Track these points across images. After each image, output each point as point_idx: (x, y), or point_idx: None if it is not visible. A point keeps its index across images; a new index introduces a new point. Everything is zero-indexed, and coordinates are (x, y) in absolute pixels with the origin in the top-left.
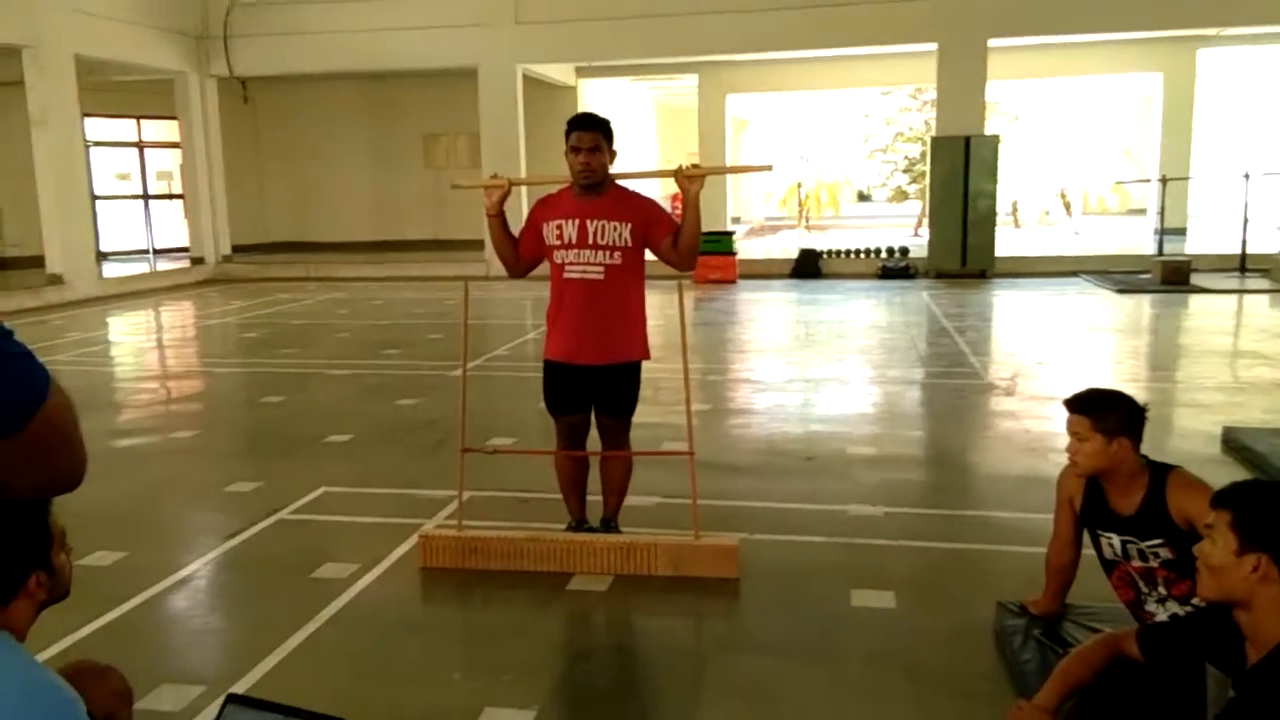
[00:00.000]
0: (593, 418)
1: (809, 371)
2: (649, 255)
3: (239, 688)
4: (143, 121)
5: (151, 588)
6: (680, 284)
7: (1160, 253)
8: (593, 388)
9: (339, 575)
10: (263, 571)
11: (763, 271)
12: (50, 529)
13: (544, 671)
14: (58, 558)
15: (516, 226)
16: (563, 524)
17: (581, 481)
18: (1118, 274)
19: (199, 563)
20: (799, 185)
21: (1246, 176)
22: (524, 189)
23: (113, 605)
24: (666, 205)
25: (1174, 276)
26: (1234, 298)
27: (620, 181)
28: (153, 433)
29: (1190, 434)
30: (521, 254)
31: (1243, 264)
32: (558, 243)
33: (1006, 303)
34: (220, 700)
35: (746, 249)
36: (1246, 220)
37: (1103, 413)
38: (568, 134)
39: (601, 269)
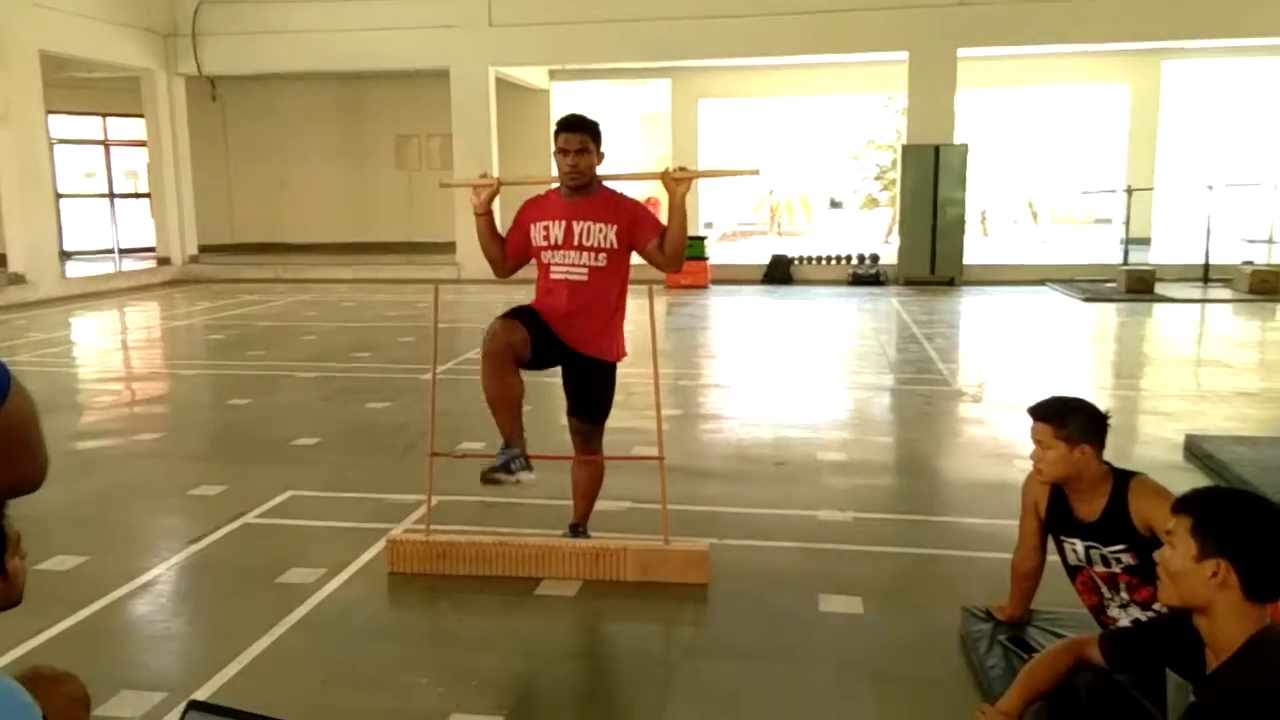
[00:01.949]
0: (564, 419)
1: (780, 377)
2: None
3: (201, 694)
4: (109, 119)
5: (112, 593)
6: (650, 288)
7: (1125, 262)
8: (557, 355)
9: (305, 580)
10: (227, 576)
11: (734, 277)
12: (4, 532)
13: (511, 677)
14: (12, 561)
15: (502, 227)
16: (532, 529)
17: (518, 397)
18: (1084, 283)
19: (161, 567)
20: (770, 192)
21: (1210, 188)
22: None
23: (72, 610)
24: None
25: (1139, 286)
26: (1197, 307)
27: (608, 183)
28: (116, 435)
29: (1153, 441)
30: (509, 254)
31: (1206, 274)
32: (544, 243)
33: (974, 310)
34: (181, 707)
35: (719, 254)
36: (1210, 231)
37: (1065, 420)
38: (556, 135)
39: (586, 270)
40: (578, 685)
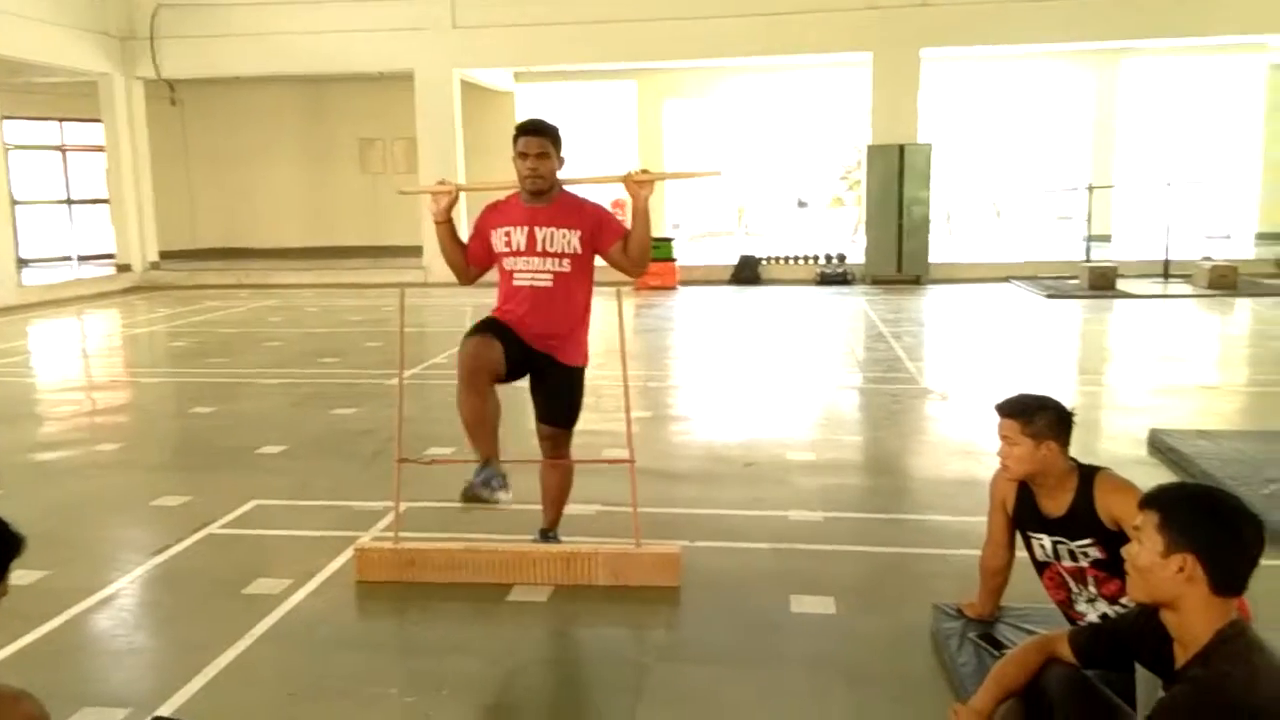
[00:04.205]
0: (532, 424)
1: (748, 378)
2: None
3: (165, 710)
4: (66, 124)
5: (73, 607)
6: (619, 290)
7: (1088, 259)
8: (526, 363)
9: (271, 591)
10: (191, 588)
11: (703, 278)
12: (5, 570)
13: (483, 685)
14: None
15: (464, 233)
16: (502, 535)
17: (493, 418)
18: (1047, 280)
19: (124, 581)
20: (738, 193)
21: (1169, 185)
22: (465, 197)
23: (32, 626)
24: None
25: (1101, 282)
26: (1159, 303)
27: (568, 187)
28: (75, 445)
29: (1117, 436)
30: (470, 261)
31: (1166, 270)
32: (506, 250)
33: (941, 308)
34: None
35: (686, 255)
36: (1169, 228)
37: (1031, 417)
38: (515, 139)
39: (550, 276)
40: (550, 691)
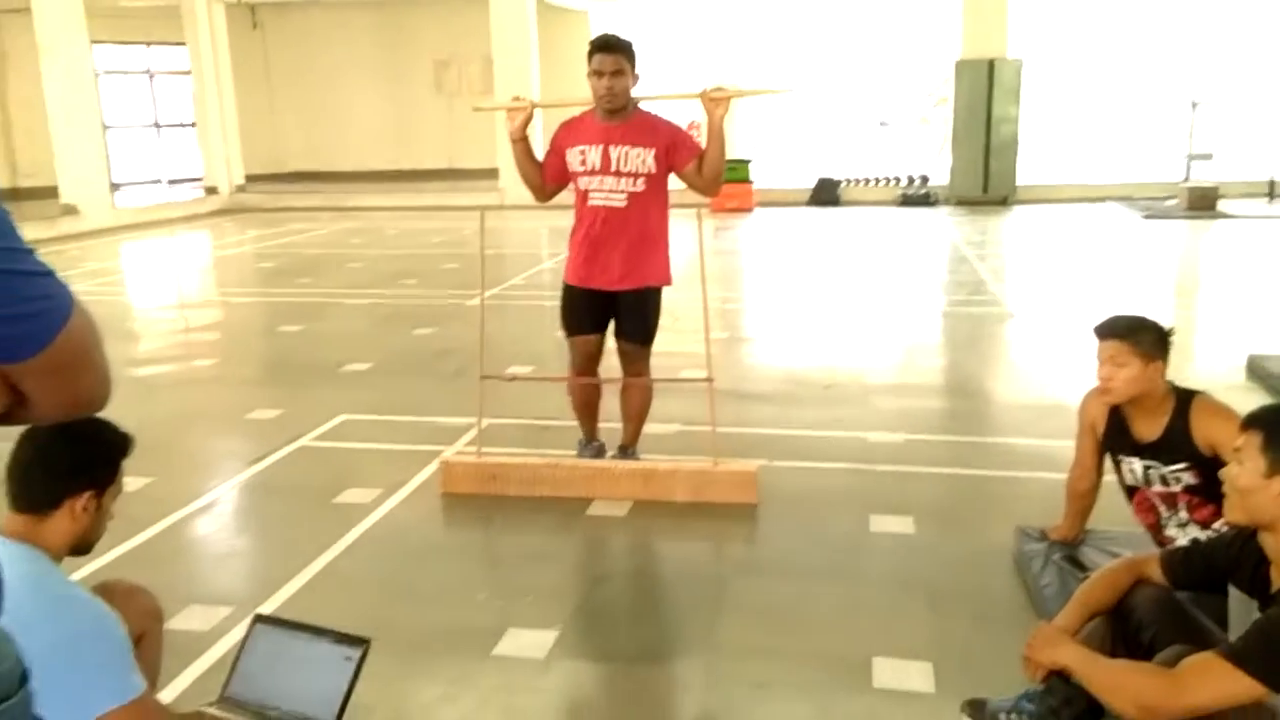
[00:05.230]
0: (612, 343)
1: (827, 301)
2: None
3: (265, 609)
4: (153, 49)
5: (177, 512)
6: (699, 211)
7: (1187, 178)
8: (610, 312)
9: (362, 500)
10: (286, 497)
11: (780, 200)
12: (118, 467)
13: (565, 593)
14: (111, 499)
15: (539, 151)
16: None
17: (595, 405)
18: (1144, 200)
19: (223, 488)
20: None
21: (1277, 99)
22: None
23: (139, 530)
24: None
25: (1201, 203)
26: (1262, 224)
27: (644, 104)
28: (173, 361)
29: (1215, 361)
30: (547, 179)
31: (1271, 190)
32: (581, 169)
33: (1028, 230)
34: (248, 620)
35: (764, 178)
36: (1277, 145)
37: (1140, 337)
38: (590, 56)
39: (625, 196)
40: (631, 601)
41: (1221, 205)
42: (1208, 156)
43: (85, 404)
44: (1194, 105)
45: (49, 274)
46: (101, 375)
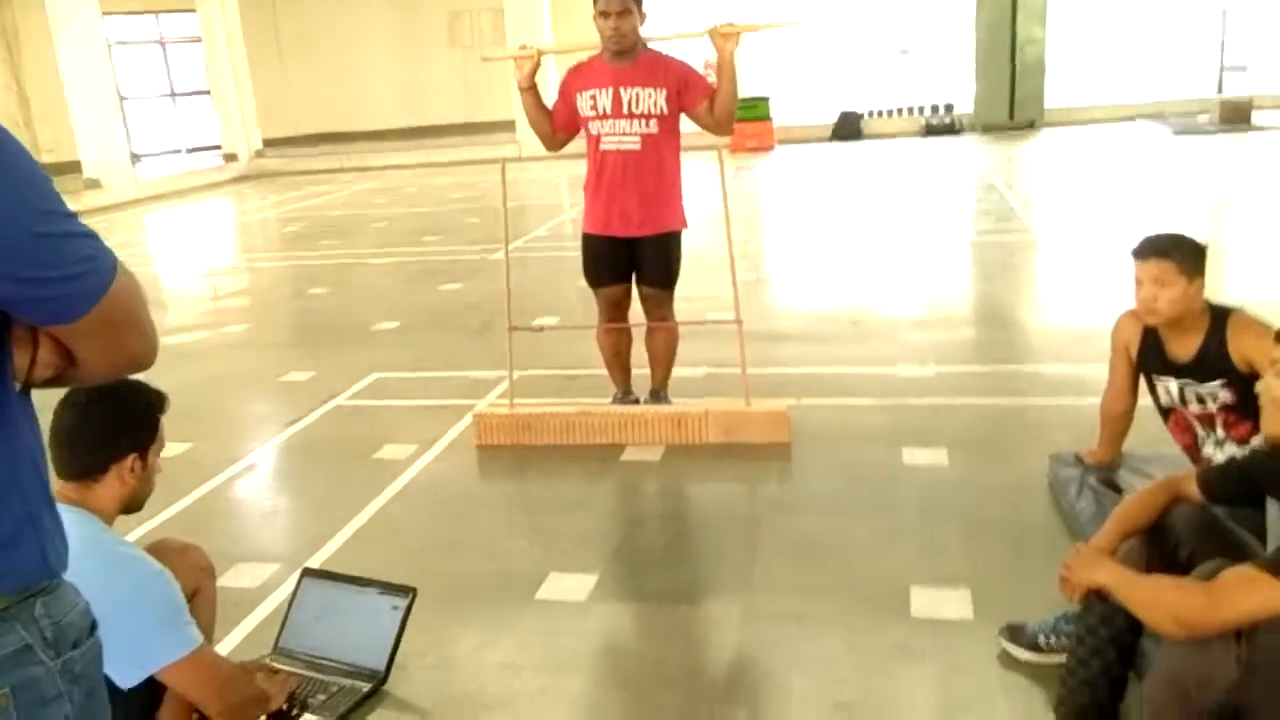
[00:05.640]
0: (635, 290)
1: (852, 237)
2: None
3: (312, 564)
4: (163, 17)
5: (219, 475)
6: (720, 151)
7: (1220, 91)
8: (632, 259)
9: (398, 456)
10: (324, 456)
11: (801, 136)
12: (158, 425)
13: (603, 538)
14: (155, 456)
15: (548, 98)
16: (610, 399)
17: (625, 354)
18: (1176, 117)
19: (262, 450)
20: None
21: None
22: (552, 65)
23: (183, 494)
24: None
25: (1234, 116)
26: None
27: (651, 44)
28: (205, 328)
29: (1252, 278)
30: (557, 126)
31: None
32: (592, 113)
33: (1057, 154)
34: (296, 575)
35: (783, 114)
36: None
37: (1183, 254)
38: None
39: (638, 138)
40: (668, 543)
41: (1256, 118)
42: (1241, 68)
43: (133, 363)
44: (1225, 14)
45: (92, 236)
46: (147, 334)
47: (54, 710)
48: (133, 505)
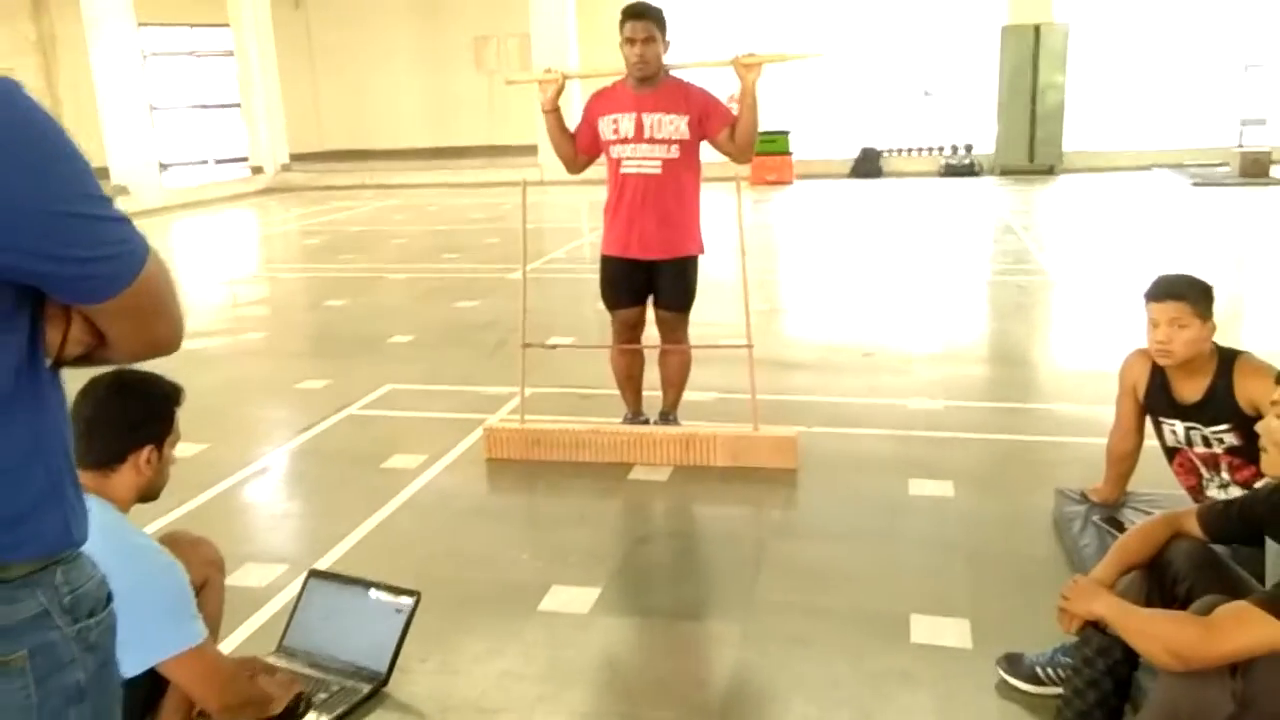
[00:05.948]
0: (651, 313)
1: (868, 271)
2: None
3: (319, 566)
4: (196, 30)
5: (231, 477)
6: (738, 182)
7: (1240, 144)
8: (649, 282)
9: (408, 466)
10: (335, 462)
11: (820, 172)
12: (173, 418)
13: (607, 554)
14: (170, 448)
15: (571, 122)
16: (621, 419)
17: (637, 376)
18: (1194, 167)
19: (275, 454)
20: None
21: None
22: (577, 90)
23: (196, 493)
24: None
25: (1254, 169)
26: None
27: (675, 72)
28: (225, 334)
29: (1266, 331)
30: (579, 149)
31: None
32: (614, 137)
33: (1074, 199)
34: (303, 576)
35: (803, 149)
36: None
37: (1197, 296)
38: (621, 25)
39: (659, 163)
40: (671, 561)
41: (1275, 172)
42: (1261, 121)
43: (161, 346)
44: (1246, 68)
45: (127, 221)
46: (176, 319)
47: (67, 675)
48: (148, 495)
